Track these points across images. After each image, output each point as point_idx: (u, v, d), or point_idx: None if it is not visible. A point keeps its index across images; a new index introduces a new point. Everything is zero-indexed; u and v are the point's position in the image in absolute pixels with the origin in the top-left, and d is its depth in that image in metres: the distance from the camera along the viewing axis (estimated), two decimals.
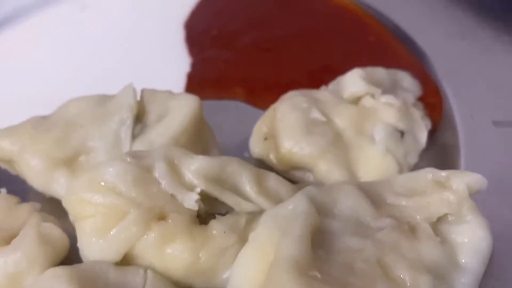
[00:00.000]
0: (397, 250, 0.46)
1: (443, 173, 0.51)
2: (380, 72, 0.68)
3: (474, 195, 0.50)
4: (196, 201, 0.49)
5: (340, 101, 0.65)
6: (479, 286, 0.47)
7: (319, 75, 0.78)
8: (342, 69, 0.70)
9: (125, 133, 0.59)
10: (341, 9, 0.89)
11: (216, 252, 0.49)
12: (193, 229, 0.49)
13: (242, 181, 0.52)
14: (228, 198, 0.51)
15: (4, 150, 0.60)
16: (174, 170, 0.51)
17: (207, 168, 0.51)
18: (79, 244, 0.50)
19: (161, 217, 0.49)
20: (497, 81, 0.73)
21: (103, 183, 0.49)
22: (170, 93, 0.64)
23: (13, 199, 0.57)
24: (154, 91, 0.64)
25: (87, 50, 0.87)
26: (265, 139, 0.64)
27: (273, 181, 0.54)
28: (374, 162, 0.60)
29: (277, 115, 0.62)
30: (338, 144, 0.60)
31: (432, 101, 0.71)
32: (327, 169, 0.59)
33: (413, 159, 0.62)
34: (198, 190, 0.50)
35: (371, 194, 0.51)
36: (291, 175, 0.62)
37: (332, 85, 0.69)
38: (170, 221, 0.49)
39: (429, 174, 0.52)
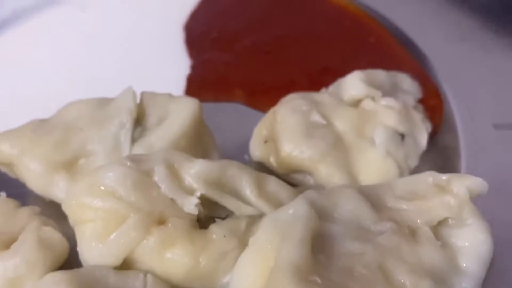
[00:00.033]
0: (397, 254, 0.46)
1: (444, 177, 0.51)
2: (380, 75, 0.68)
3: (475, 198, 0.50)
4: (196, 205, 0.49)
5: (340, 104, 0.64)
6: None
7: (319, 77, 0.78)
8: (342, 71, 0.70)
9: (125, 136, 0.59)
10: (341, 10, 0.88)
11: (216, 257, 0.49)
12: (193, 233, 0.49)
13: (242, 185, 0.52)
14: (228, 202, 0.51)
15: (3, 154, 0.60)
16: (173, 174, 0.51)
17: (207, 172, 0.51)
18: (78, 248, 0.50)
19: (161, 222, 0.49)
20: (498, 83, 0.73)
21: (102, 188, 0.49)
22: (170, 96, 0.63)
23: (12, 202, 0.57)
24: (153, 94, 0.64)
25: (87, 52, 0.87)
26: (265, 142, 0.64)
27: (273, 185, 0.54)
28: (374, 165, 0.60)
29: (277, 118, 0.62)
30: (338, 147, 0.60)
31: (432, 103, 0.71)
32: (327, 172, 0.59)
33: (413, 162, 0.62)
34: (198, 194, 0.50)
35: (371, 197, 0.51)
36: (291, 178, 0.62)
37: (332, 88, 0.69)
38: (170, 225, 0.48)
39: (429, 177, 0.52)
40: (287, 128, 0.61)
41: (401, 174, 0.60)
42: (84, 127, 0.60)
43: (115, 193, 0.49)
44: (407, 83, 0.70)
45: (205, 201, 0.51)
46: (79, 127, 0.60)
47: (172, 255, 0.48)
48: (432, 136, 0.66)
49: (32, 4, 0.94)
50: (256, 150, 0.65)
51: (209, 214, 0.52)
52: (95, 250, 0.49)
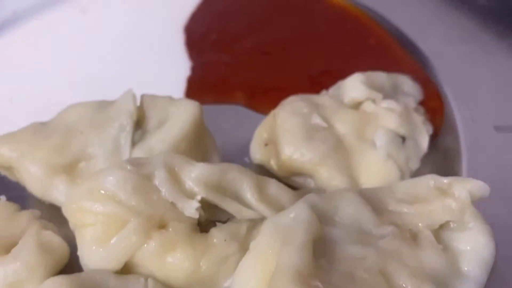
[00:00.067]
0: (399, 258, 0.46)
1: (445, 180, 0.51)
2: (381, 77, 0.68)
3: (476, 201, 0.50)
4: (197, 209, 0.49)
5: (341, 106, 0.64)
6: None
7: (319, 78, 0.77)
8: (342, 73, 0.70)
9: (125, 139, 0.59)
10: (342, 12, 0.88)
11: (217, 261, 0.49)
12: (194, 237, 0.49)
13: (242, 188, 0.52)
14: (229, 206, 0.51)
15: (3, 157, 0.60)
16: (174, 178, 0.51)
17: (208, 175, 0.51)
18: (79, 253, 0.50)
19: (162, 226, 0.49)
20: (499, 85, 0.73)
21: (103, 192, 0.49)
22: (170, 98, 0.63)
23: (12, 206, 0.57)
24: (154, 97, 0.63)
25: (87, 53, 0.87)
26: (266, 145, 0.64)
27: (274, 188, 0.54)
28: (375, 168, 0.59)
29: (277, 121, 0.62)
30: (339, 150, 0.60)
31: (433, 105, 0.70)
32: (328, 175, 0.59)
33: (414, 164, 0.62)
34: (199, 197, 0.50)
35: (372, 201, 0.51)
36: (292, 181, 0.62)
37: (332, 90, 0.69)
38: (170, 229, 0.48)
39: (431, 180, 0.52)
40: (288, 131, 0.61)
41: (402, 177, 0.60)
42: (84, 130, 0.60)
43: (115, 197, 0.49)
44: (408, 85, 0.70)
45: (205, 204, 0.51)
46: (79, 130, 0.60)
47: (172, 259, 0.48)
48: (433, 138, 0.66)
49: (32, 5, 0.93)
50: (257, 153, 0.64)
51: (209, 218, 0.52)
52: (95, 254, 0.49)
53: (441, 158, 0.66)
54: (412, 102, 0.67)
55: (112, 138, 0.59)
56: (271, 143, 0.63)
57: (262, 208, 0.51)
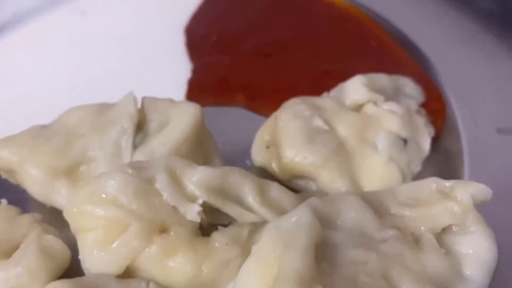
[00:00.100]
0: (401, 262, 0.46)
1: (447, 183, 0.51)
2: (382, 79, 0.68)
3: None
4: (198, 213, 0.49)
5: (342, 109, 0.64)
6: None
7: (320, 80, 0.77)
8: (343, 75, 0.70)
9: (126, 142, 0.59)
10: (343, 13, 0.88)
11: (218, 265, 0.48)
12: (195, 241, 0.49)
13: (244, 192, 0.52)
14: (231, 209, 0.51)
15: (4, 160, 0.60)
16: (175, 181, 0.51)
17: (209, 179, 0.51)
18: (80, 257, 0.50)
19: (163, 230, 0.49)
20: (501, 87, 0.73)
21: (104, 196, 0.49)
22: (171, 101, 0.63)
23: (13, 210, 0.57)
24: (155, 99, 0.63)
25: (87, 55, 0.87)
26: (267, 147, 0.64)
27: (276, 191, 0.53)
28: (377, 170, 0.59)
29: (278, 124, 0.62)
30: (340, 152, 0.60)
31: (435, 107, 0.70)
32: (330, 178, 0.59)
33: (416, 167, 0.61)
34: (200, 201, 0.50)
35: (374, 204, 0.51)
36: (294, 183, 0.62)
37: (334, 92, 0.69)
38: (172, 233, 0.48)
39: (433, 184, 0.52)
40: (289, 133, 0.60)
41: (404, 180, 0.60)
42: (85, 133, 0.60)
43: (116, 201, 0.49)
44: (410, 87, 0.70)
45: (207, 208, 0.51)
46: (80, 133, 0.60)
47: (174, 264, 0.48)
48: (435, 140, 0.66)
49: (32, 7, 0.93)
50: (258, 156, 0.64)
51: (211, 221, 0.52)
52: (97, 259, 0.48)
53: (442, 161, 0.66)
54: (413, 104, 0.67)
55: (113, 141, 0.59)
56: (273, 145, 0.63)
57: (263, 212, 0.51)
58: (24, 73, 0.84)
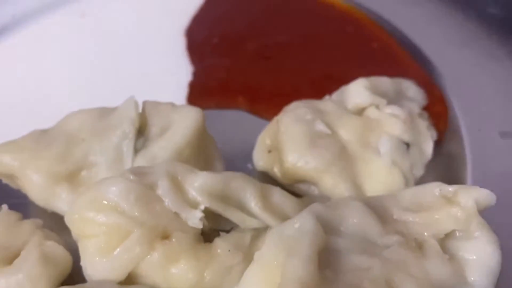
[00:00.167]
0: (404, 268, 0.46)
1: (451, 188, 0.50)
2: (384, 82, 0.67)
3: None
4: (200, 219, 0.49)
5: (344, 112, 0.64)
6: None
7: (322, 83, 0.77)
8: (345, 77, 0.70)
9: (127, 147, 0.59)
10: (344, 15, 0.88)
11: (221, 271, 0.48)
12: (198, 248, 0.49)
13: (246, 197, 0.51)
14: (233, 215, 0.51)
15: (5, 166, 0.59)
16: (177, 187, 0.50)
17: (211, 185, 0.50)
18: (82, 263, 0.50)
19: (165, 236, 0.48)
20: (504, 90, 0.73)
21: (105, 202, 0.49)
22: (172, 105, 0.63)
23: (14, 215, 0.56)
24: (156, 103, 0.63)
25: (87, 58, 0.86)
26: (269, 151, 0.63)
27: (278, 196, 0.53)
28: (379, 175, 0.59)
29: (280, 128, 0.62)
30: (343, 157, 0.60)
31: (437, 110, 0.70)
32: (332, 182, 0.58)
33: (419, 171, 0.61)
34: (202, 207, 0.50)
35: (377, 209, 0.50)
36: (296, 188, 0.62)
37: (335, 95, 0.68)
38: (174, 240, 0.48)
39: (436, 189, 0.51)
40: (291, 138, 0.60)
41: (407, 184, 0.59)
42: (86, 137, 0.60)
43: (118, 207, 0.48)
44: (412, 90, 0.70)
45: (209, 213, 0.51)
46: (80, 137, 0.60)
47: (176, 270, 0.48)
48: (437, 144, 0.66)
49: (32, 10, 0.93)
50: (260, 160, 0.64)
51: (213, 227, 0.52)
52: (99, 265, 0.48)
53: (445, 164, 0.65)
54: (416, 108, 0.67)
55: (114, 146, 0.59)
56: (275, 149, 0.63)
57: (266, 217, 0.51)
58: (24, 77, 0.84)
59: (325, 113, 0.63)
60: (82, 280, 0.50)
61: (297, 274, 0.41)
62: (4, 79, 0.84)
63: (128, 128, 0.59)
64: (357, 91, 0.65)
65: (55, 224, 0.57)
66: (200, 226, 0.49)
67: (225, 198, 0.51)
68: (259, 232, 0.52)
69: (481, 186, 0.50)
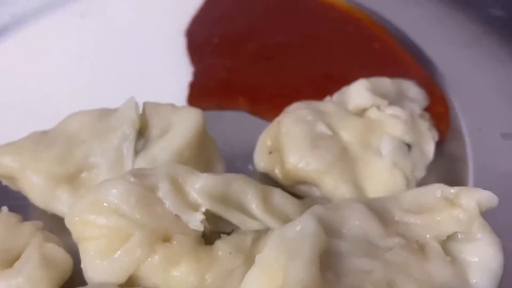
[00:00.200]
0: (406, 271, 0.45)
1: (453, 190, 0.50)
2: (385, 83, 0.67)
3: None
4: (201, 222, 0.49)
5: (345, 113, 0.63)
6: None
7: (322, 83, 0.77)
8: (346, 77, 0.69)
9: (128, 148, 0.58)
10: (345, 15, 0.87)
11: (222, 274, 0.48)
12: (199, 250, 0.49)
13: (247, 199, 0.51)
14: (234, 217, 0.51)
15: (5, 167, 0.59)
16: (178, 189, 0.50)
17: (212, 187, 0.50)
18: (83, 265, 0.50)
19: (166, 239, 0.48)
20: (506, 91, 0.72)
21: (106, 204, 0.49)
22: (173, 106, 0.63)
23: (14, 217, 0.56)
24: (156, 105, 0.63)
25: (87, 58, 0.86)
26: (270, 153, 0.63)
27: (279, 198, 0.53)
28: (381, 176, 0.59)
29: (281, 129, 0.61)
30: (344, 158, 0.59)
31: (438, 110, 0.70)
32: (333, 184, 0.58)
33: (420, 172, 0.61)
34: (203, 209, 0.49)
35: (379, 211, 0.50)
36: (297, 189, 0.62)
37: (336, 96, 0.68)
38: (174, 242, 0.48)
39: (438, 190, 0.51)
40: (292, 139, 0.60)
41: (408, 185, 0.59)
42: (86, 139, 0.59)
43: (118, 210, 0.48)
44: (413, 90, 0.70)
45: (210, 215, 0.50)
46: (81, 139, 0.60)
47: (177, 273, 0.47)
48: (439, 145, 0.65)
49: (31, 10, 0.93)
50: (261, 161, 0.64)
51: (214, 229, 0.52)
52: (99, 268, 0.48)
53: (447, 165, 0.65)
54: (417, 108, 0.66)
55: (115, 147, 0.58)
56: (275, 151, 0.62)
57: (267, 219, 0.51)
58: (23, 77, 0.84)
59: (326, 114, 0.63)
60: (83, 282, 0.50)
61: (298, 277, 0.41)
62: (4, 79, 0.84)
63: (129, 129, 0.59)
64: (358, 92, 0.64)
65: (56, 226, 0.57)
66: (201, 228, 0.49)
67: (226, 200, 0.51)
68: (260, 234, 0.52)
69: (482, 187, 0.50)
